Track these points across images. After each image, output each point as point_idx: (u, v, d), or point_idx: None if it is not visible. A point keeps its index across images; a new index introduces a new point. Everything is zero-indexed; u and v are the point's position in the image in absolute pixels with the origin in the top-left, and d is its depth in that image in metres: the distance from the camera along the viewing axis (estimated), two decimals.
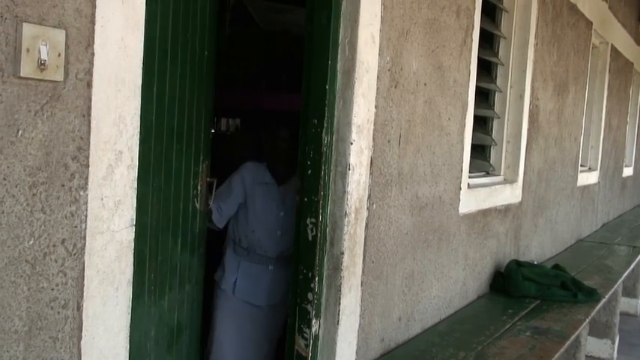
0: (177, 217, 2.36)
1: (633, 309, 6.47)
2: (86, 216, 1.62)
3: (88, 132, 1.60)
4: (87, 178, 1.60)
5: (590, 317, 3.81)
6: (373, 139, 2.72)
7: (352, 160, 2.58)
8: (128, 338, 1.77)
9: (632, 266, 5.51)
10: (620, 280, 4.89)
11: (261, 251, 3.07)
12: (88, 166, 1.60)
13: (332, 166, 2.58)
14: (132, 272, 1.76)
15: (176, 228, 2.37)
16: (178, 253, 2.41)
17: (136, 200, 1.74)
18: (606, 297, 4.30)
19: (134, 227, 1.74)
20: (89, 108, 1.59)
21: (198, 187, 2.48)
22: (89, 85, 1.59)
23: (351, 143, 2.57)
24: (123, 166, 1.68)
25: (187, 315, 2.52)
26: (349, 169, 2.58)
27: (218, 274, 3.14)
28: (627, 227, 7.78)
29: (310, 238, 2.58)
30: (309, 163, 2.57)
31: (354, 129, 2.57)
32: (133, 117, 1.70)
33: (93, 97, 1.59)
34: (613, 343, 5.13)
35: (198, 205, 2.49)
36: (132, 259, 1.75)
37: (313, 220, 2.57)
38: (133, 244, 1.75)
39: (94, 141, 1.61)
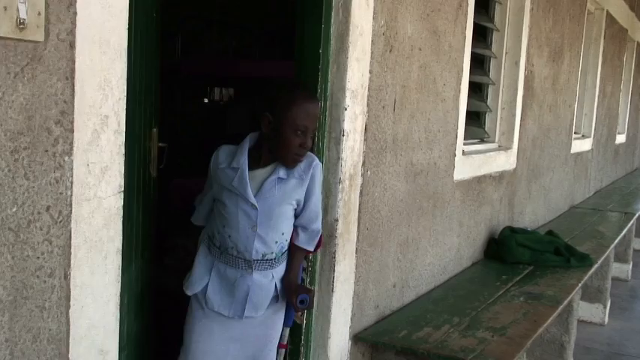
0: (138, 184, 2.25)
1: (624, 274, 6.51)
2: (72, 182, 1.56)
3: (72, 95, 1.54)
4: (72, 143, 1.55)
5: (582, 282, 3.81)
6: (367, 104, 2.67)
7: (346, 126, 2.54)
8: (118, 307, 1.73)
9: (623, 232, 5.52)
10: (612, 246, 4.90)
11: (234, 252, 2.22)
12: (72, 131, 1.55)
13: (326, 133, 2.54)
14: (121, 240, 1.71)
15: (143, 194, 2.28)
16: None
17: (124, 166, 1.69)
18: (598, 262, 4.30)
19: (122, 194, 1.69)
20: (72, 70, 1.53)
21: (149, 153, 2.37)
22: (72, 46, 1.52)
23: (345, 109, 2.52)
24: (109, 131, 1.63)
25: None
26: (343, 135, 2.53)
27: (186, 277, 2.33)
28: (619, 194, 7.79)
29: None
30: None
31: (348, 94, 2.52)
32: (119, 80, 1.64)
33: (76, 59, 1.53)
34: (604, 307, 5.16)
35: (152, 173, 2.41)
36: (120, 227, 1.71)
37: None
38: (122, 211, 1.70)
39: (79, 105, 1.55)
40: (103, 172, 1.63)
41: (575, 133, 6.44)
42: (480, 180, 3.98)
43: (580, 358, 4.33)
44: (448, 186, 3.54)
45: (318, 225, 2.30)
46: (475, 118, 4.29)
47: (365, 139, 2.68)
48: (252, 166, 2.18)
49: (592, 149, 7.31)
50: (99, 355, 1.69)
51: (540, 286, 3.61)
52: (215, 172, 2.21)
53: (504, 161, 4.37)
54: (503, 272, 3.86)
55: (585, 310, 5.12)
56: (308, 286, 2.54)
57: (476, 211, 3.99)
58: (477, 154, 3.98)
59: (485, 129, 4.37)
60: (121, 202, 1.70)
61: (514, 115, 4.43)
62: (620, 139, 9.41)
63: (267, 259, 2.22)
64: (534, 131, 4.99)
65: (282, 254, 2.26)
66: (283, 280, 2.27)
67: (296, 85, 2.35)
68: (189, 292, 2.27)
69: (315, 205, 2.26)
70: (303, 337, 2.55)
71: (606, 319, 5.21)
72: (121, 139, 1.66)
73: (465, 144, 3.77)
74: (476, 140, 4.21)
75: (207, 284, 2.24)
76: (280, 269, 2.26)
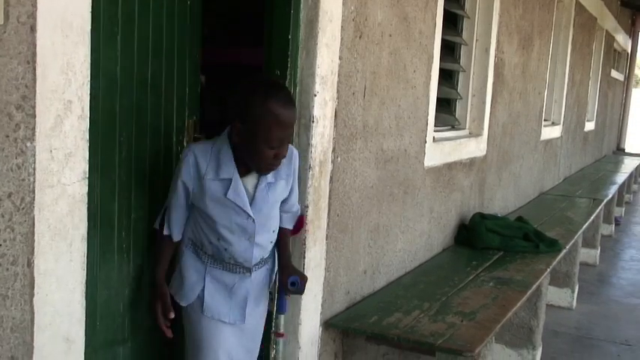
0: (154, 174, 2.19)
1: (592, 259, 6.60)
2: (34, 169, 1.53)
3: (34, 80, 1.51)
4: (34, 128, 1.52)
5: (551, 267, 3.86)
6: (337, 90, 2.67)
7: (316, 112, 2.53)
8: (84, 295, 1.71)
9: (592, 218, 5.61)
10: (581, 231, 4.97)
11: (231, 261, 2.10)
12: (34, 116, 1.52)
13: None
14: (86, 227, 1.69)
15: (157, 186, 2.19)
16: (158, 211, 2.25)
17: (88, 153, 1.66)
18: (567, 247, 4.36)
19: (86, 180, 1.67)
20: (34, 54, 1.50)
21: (184, 144, 2.34)
22: (33, 29, 1.49)
23: (315, 95, 2.52)
24: (73, 116, 1.60)
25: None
26: (313, 122, 2.52)
27: (173, 288, 2.16)
28: (588, 180, 7.90)
29: None
30: None
31: (317, 80, 2.51)
32: (83, 64, 1.61)
33: (38, 43, 1.50)
34: (573, 292, 5.23)
35: None
36: (86, 214, 1.68)
37: None
38: (87, 198, 1.68)
39: (41, 89, 1.52)
40: (67, 159, 1.60)
41: (544, 120, 6.51)
42: (450, 167, 4.00)
43: (549, 342, 4.39)
44: (419, 172, 3.55)
45: (298, 206, 2.33)
46: (446, 105, 4.31)
47: (335, 126, 2.68)
48: (240, 174, 2.02)
49: (561, 136, 7.39)
50: (64, 343, 1.67)
51: (510, 272, 3.65)
52: (198, 183, 1.99)
53: (475, 148, 4.39)
54: (473, 258, 3.90)
55: (554, 295, 5.19)
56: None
57: (446, 197, 4.01)
58: (448, 140, 4.00)
59: (456, 116, 4.39)
60: (86, 189, 1.67)
61: (484, 102, 4.46)
62: (589, 126, 9.53)
63: (263, 259, 2.20)
64: (504, 118, 5.03)
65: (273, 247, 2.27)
66: (278, 263, 2.27)
67: (269, 87, 1.96)
68: (183, 303, 2.13)
69: (297, 189, 2.27)
70: (273, 323, 2.55)
71: (574, 304, 5.29)
72: (85, 124, 1.64)
73: (435, 131, 3.78)
74: (446, 127, 4.23)
75: (202, 291, 2.10)
76: (272, 258, 2.27)
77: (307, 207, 2.56)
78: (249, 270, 2.12)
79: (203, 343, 2.13)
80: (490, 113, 4.59)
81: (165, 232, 2.10)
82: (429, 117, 3.57)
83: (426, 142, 3.57)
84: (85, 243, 1.70)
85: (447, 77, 4.27)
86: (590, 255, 6.58)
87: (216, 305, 2.12)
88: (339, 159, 2.75)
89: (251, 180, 2.05)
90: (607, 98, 11.32)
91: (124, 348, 2.15)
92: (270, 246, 2.21)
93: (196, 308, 2.12)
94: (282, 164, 2.04)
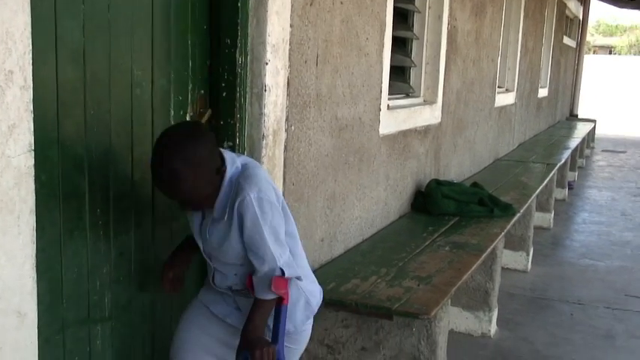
0: (147, 149, 2.12)
1: (547, 223, 6.76)
2: None
3: None
4: None
5: (505, 231, 3.94)
6: (289, 59, 2.66)
7: (268, 80, 2.52)
8: (35, 268, 1.69)
9: (545, 182, 5.72)
10: (534, 195, 5.07)
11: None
12: None
13: (247, 88, 2.51)
14: (34, 200, 1.66)
15: (144, 163, 2.11)
16: (151, 187, 2.21)
17: (33, 124, 1.63)
18: (521, 211, 4.45)
19: (33, 152, 1.63)
20: None
21: (187, 119, 2.32)
22: None
23: (267, 63, 2.50)
24: (15, 87, 1.56)
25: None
26: (265, 91, 2.51)
27: None
28: (542, 146, 8.05)
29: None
30: (223, 85, 2.48)
31: (268, 49, 2.49)
32: (23, 33, 1.56)
33: None
34: (527, 255, 5.36)
35: None
36: (33, 187, 1.65)
37: (230, 143, 2.51)
38: (33, 170, 1.65)
39: None
40: (11, 130, 1.57)
41: (498, 87, 6.58)
42: (405, 134, 4.03)
43: (504, 304, 4.49)
44: (374, 140, 3.57)
45: (268, 269, 1.95)
46: (400, 73, 4.32)
47: (288, 94, 2.67)
48: None
49: (515, 103, 7.49)
50: (16, 317, 1.65)
51: (465, 236, 3.71)
52: None
53: (429, 115, 4.43)
54: (429, 224, 3.95)
55: (509, 258, 5.30)
56: (267, 339, 2.02)
57: (402, 164, 4.05)
58: (402, 108, 4.03)
59: (410, 84, 4.42)
60: (32, 161, 1.64)
61: (438, 70, 4.49)
62: (543, 92, 9.67)
63: (237, 290, 2.09)
64: (458, 85, 5.07)
65: None
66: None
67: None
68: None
69: (258, 247, 1.94)
70: None
71: (529, 266, 5.41)
72: (29, 95, 1.60)
73: (389, 99, 3.80)
74: (401, 95, 4.26)
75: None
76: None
77: None
78: (228, 293, 2.15)
79: (184, 315, 2.22)
80: (444, 81, 4.62)
81: None
82: (382, 85, 3.59)
83: (380, 110, 3.59)
84: (34, 216, 1.67)
85: (401, 45, 4.28)
86: (545, 219, 6.73)
87: (211, 295, 2.18)
88: (292, 128, 2.74)
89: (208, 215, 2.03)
90: (560, 65, 11.49)
91: (105, 326, 2.12)
92: (236, 280, 2.06)
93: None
94: (231, 205, 1.92)
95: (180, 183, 1.81)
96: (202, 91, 2.42)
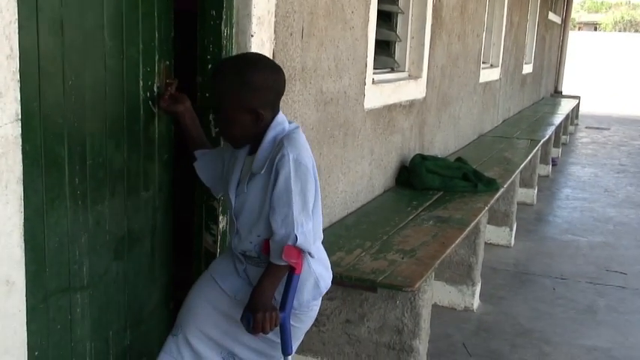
0: (119, 119, 2.16)
1: (530, 199, 6.82)
2: None
3: None
4: None
5: (489, 205, 3.97)
6: (275, 31, 2.65)
7: None
8: (22, 237, 1.69)
9: (529, 158, 5.77)
10: (518, 171, 5.11)
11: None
12: None
13: None
14: (21, 169, 1.66)
15: (119, 131, 2.17)
16: (124, 157, 2.22)
17: (19, 93, 1.62)
18: (504, 186, 4.48)
19: (19, 122, 1.63)
20: None
21: (154, 89, 2.31)
22: None
23: (252, 36, 2.49)
24: (1, 55, 1.55)
25: (145, 223, 2.40)
26: None
27: None
28: (526, 122, 8.09)
29: (214, 134, 2.52)
30: (208, 57, 2.48)
31: (254, 21, 2.49)
32: (9, 2, 1.55)
33: None
34: (511, 230, 5.41)
35: (154, 109, 2.34)
36: (20, 156, 1.65)
37: (214, 116, 2.51)
38: (20, 139, 1.64)
39: None
40: None
41: (483, 62, 6.59)
42: (390, 109, 4.04)
43: (488, 278, 4.55)
44: (359, 114, 3.58)
45: (284, 233, 1.94)
46: (385, 47, 4.32)
47: None
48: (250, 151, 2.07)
49: (500, 79, 7.51)
50: (4, 285, 1.66)
51: (449, 210, 3.74)
52: (228, 155, 2.19)
53: (414, 90, 4.44)
54: (413, 198, 3.98)
55: (493, 234, 5.36)
56: (276, 306, 2.03)
57: (387, 139, 4.06)
58: (387, 83, 4.03)
59: (395, 58, 4.42)
60: (19, 130, 1.64)
61: (423, 45, 4.49)
62: (527, 68, 9.70)
63: (250, 257, 2.09)
64: (443, 60, 5.08)
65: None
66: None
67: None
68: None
69: (281, 207, 1.92)
70: None
71: (512, 241, 5.47)
72: (15, 64, 1.59)
73: (375, 73, 3.80)
74: (386, 69, 4.26)
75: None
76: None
77: None
78: (239, 259, 2.14)
79: (190, 291, 2.26)
80: (429, 55, 4.63)
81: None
82: (368, 59, 3.59)
83: (365, 83, 3.59)
84: (21, 185, 1.67)
85: (386, 19, 4.27)
86: (528, 194, 6.79)
87: (220, 268, 2.23)
88: None
89: (249, 162, 2.04)
90: (545, 41, 11.52)
91: (83, 295, 2.12)
92: (251, 247, 2.06)
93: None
94: (265, 160, 1.96)
95: (228, 94, 1.95)
96: (167, 62, 2.39)
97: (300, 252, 1.97)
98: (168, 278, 2.62)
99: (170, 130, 2.46)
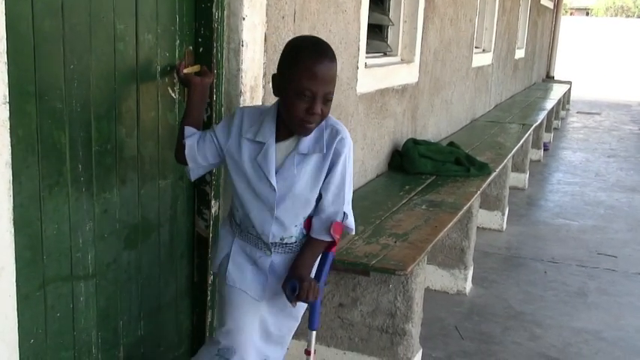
0: (131, 105, 2.13)
1: (522, 183, 6.84)
2: None
3: None
4: None
5: (481, 190, 3.98)
6: (267, 14, 2.62)
7: (245, 36, 2.49)
8: (12, 222, 1.67)
9: (521, 142, 5.77)
10: (510, 156, 5.12)
11: (254, 231, 2.08)
12: None
13: (224, 43, 2.48)
14: (9, 152, 1.63)
15: (130, 118, 2.14)
16: (136, 145, 2.20)
17: (7, 75, 1.59)
18: (497, 171, 4.48)
19: (7, 105, 1.60)
20: None
21: (174, 75, 2.29)
22: None
23: (244, 19, 2.47)
24: None
25: (163, 212, 2.37)
26: (242, 46, 2.49)
27: (211, 253, 2.29)
28: (518, 107, 8.09)
29: (205, 119, 2.50)
30: (200, 40, 2.45)
31: (245, 3, 2.46)
32: None
33: None
34: (503, 214, 5.42)
35: (175, 95, 2.32)
36: (8, 139, 1.62)
37: (207, 99, 2.49)
38: (8, 122, 1.62)
39: None
40: None
41: (475, 47, 6.58)
42: (383, 93, 4.03)
43: (480, 262, 4.57)
44: (351, 99, 3.56)
45: (333, 210, 2.04)
46: (378, 31, 4.30)
47: (265, 51, 2.64)
48: (276, 139, 1.99)
49: (492, 64, 7.50)
50: None
51: (441, 195, 3.74)
52: (236, 139, 2.02)
53: (407, 74, 4.42)
54: (406, 182, 3.97)
55: (485, 218, 5.37)
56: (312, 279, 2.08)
57: (379, 124, 4.05)
58: (380, 67, 4.01)
59: (388, 42, 4.40)
60: (7, 114, 1.61)
61: (416, 29, 4.47)
62: (520, 54, 9.69)
63: (286, 243, 2.08)
64: (436, 45, 5.06)
65: (305, 237, 2.10)
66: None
67: (306, 40, 2.01)
68: (213, 269, 2.19)
69: (337, 186, 2.02)
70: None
71: (504, 226, 5.49)
72: (2, 45, 1.57)
73: (367, 57, 3.78)
74: (378, 54, 4.24)
75: (227, 259, 2.13)
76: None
77: None
78: (268, 248, 2.07)
79: (226, 308, 2.16)
80: (422, 40, 4.61)
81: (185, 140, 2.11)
82: (360, 43, 3.57)
83: (357, 68, 3.57)
84: (10, 169, 1.64)
85: (379, 3, 4.25)
86: (520, 179, 6.80)
87: (239, 275, 2.12)
88: (270, 84, 2.72)
89: (285, 148, 2.00)
90: (537, 26, 11.50)
91: (88, 284, 2.11)
92: (297, 231, 2.07)
93: (222, 276, 2.16)
94: (322, 140, 1.97)
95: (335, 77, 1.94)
96: (190, 47, 2.39)
97: (343, 228, 2.08)
98: (190, 269, 2.62)
99: None
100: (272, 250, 2.08)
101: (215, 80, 2.45)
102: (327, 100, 1.89)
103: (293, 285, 1.97)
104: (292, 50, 1.93)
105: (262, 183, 2.00)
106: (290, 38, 2.77)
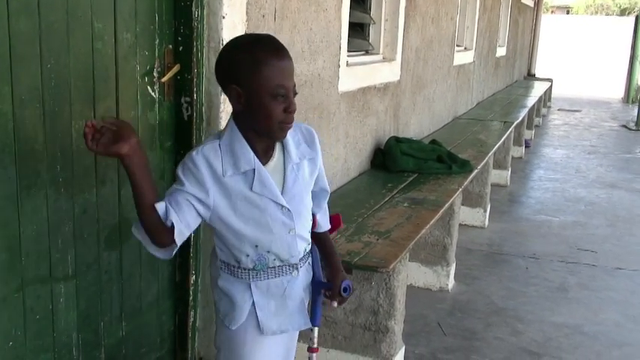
0: (110, 105, 2.11)
1: (503, 180, 6.88)
2: None
3: None
4: None
5: (463, 187, 4.00)
6: (247, 13, 2.62)
7: (225, 35, 2.49)
8: None
9: (502, 139, 5.81)
10: (492, 153, 5.15)
11: (276, 263, 1.87)
12: None
13: (205, 42, 2.48)
14: None
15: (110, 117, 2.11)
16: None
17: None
18: (478, 168, 4.51)
19: None
20: None
21: (154, 74, 2.29)
22: None
23: (223, 17, 2.47)
24: None
25: None
26: (222, 45, 2.48)
27: (221, 312, 1.94)
28: (500, 105, 8.15)
29: (186, 118, 2.50)
30: (179, 39, 2.45)
31: (225, 2, 2.46)
32: None
33: None
34: (485, 211, 5.45)
35: (155, 94, 2.31)
36: None
37: (188, 99, 2.48)
38: None
39: None
40: None
41: (457, 45, 6.61)
42: (364, 91, 4.04)
43: (462, 259, 4.59)
44: (333, 97, 3.57)
45: (324, 197, 2.07)
46: (359, 30, 4.31)
47: None
48: (262, 163, 1.79)
49: (474, 62, 7.54)
50: None
51: (423, 192, 3.76)
52: (217, 185, 1.74)
53: (388, 73, 4.44)
54: (388, 180, 3.99)
55: (467, 215, 5.40)
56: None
57: (362, 122, 4.06)
58: (362, 65, 4.02)
59: (369, 41, 4.41)
60: None
61: (397, 27, 4.48)
62: (501, 52, 9.75)
63: (307, 253, 1.97)
64: (417, 43, 5.08)
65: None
66: (327, 265, 2.03)
67: (253, 40, 1.77)
68: (233, 327, 1.89)
69: (322, 176, 2.01)
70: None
71: (486, 223, 5.52)
72: None
73: (349, 55, 3.79)
74: (360, 52, 4.25)
75: (253, 309, 1.89)
76: (311, 251, 2.03)
77: None
78: (296, 268, 1.90)
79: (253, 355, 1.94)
80: (403, 38, 4.62)
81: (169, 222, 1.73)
82: (341, 41, 3.57)
83: (339, 66, 3.58)
84: None
85: (360, 1, 4.26)
86: (502, 176, 6.85)
87: (275, 321, 1.92)
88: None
89: (276, 166, 1.82)
90: (518, 24, 11.57)
91: (68, 285, 2.10)
92: (309, 236, 1.97)
93: (250, 329, 1.90)
94: (302, 143, 1.88)
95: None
96: (170, 46, 2.38)
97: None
98: (171, 269, 2.61)
99: (172, 116, 2.44)
100: (299, 267, 1.92)
101: (195, 79, 2.44)
102: (296, 93, 1.76)
103: (348, 284, 1.95)
104: (246, 54, 1.69)
105: (271, 208, 1.80)
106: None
